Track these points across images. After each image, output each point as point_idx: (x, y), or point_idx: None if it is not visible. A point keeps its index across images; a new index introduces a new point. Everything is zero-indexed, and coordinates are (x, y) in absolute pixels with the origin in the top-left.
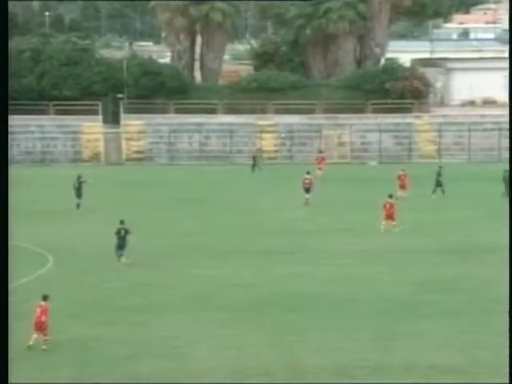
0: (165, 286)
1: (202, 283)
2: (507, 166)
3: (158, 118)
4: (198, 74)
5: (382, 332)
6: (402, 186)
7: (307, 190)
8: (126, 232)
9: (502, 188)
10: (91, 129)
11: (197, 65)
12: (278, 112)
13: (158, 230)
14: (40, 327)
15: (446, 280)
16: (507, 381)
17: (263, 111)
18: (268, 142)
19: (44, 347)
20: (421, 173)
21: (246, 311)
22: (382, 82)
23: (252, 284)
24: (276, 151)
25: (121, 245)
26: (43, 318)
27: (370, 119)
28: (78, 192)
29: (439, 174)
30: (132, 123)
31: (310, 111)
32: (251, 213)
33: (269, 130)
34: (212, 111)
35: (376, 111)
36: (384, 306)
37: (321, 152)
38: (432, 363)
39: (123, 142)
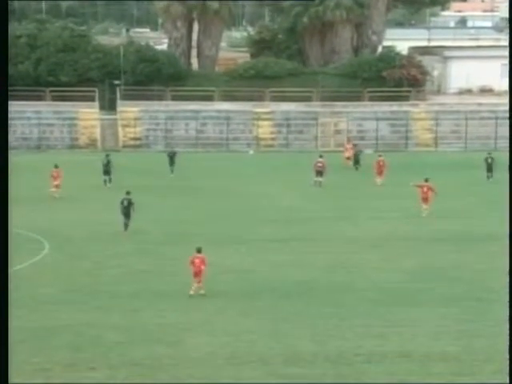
0: (162, 272)
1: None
2: (504, 155)
3: (155, 105)
4: (194, 61)
5: (376, 320)
6: (380, 173)
7: (320, 173)
8: (130, 203)
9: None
10: (88, 115)
11: (194, 52)
12: (274, 99)
13: (155, 217)
14: (199, 275)
15: (439, 268)
16: (507, 381)
17: (260, 98)
18: (265, 130)
19: (202, 292)
20: (415, 161)
21: (241, 298)
22: (379, 70)
23: (248, 271)
24: (272, 139)
25: (126, 214)
26: (202, 267)
27: (366, 107)
28: (106, 170)
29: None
30: (129, 110)
31: (307, 99)
32: (248, 200)
33: (265, 117)
34: (209, 98)
35: (373, 99)
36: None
37: (349, 141)
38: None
39: (120, 129)
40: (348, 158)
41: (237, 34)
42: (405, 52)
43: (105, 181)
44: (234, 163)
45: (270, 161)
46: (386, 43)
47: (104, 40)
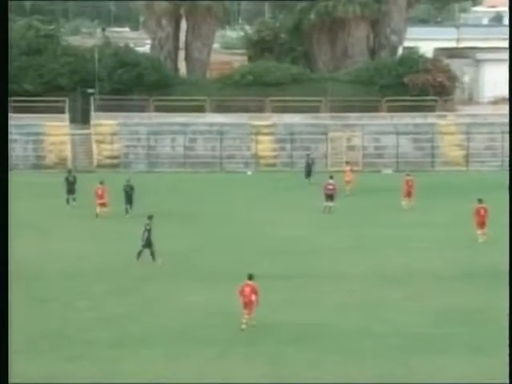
0: (144, 314)
1: (187, 311)
2: None
3: (136, 118)
4: (182, 66)
5: (398, 369)
6: (408, 195)
7: (330, 197)
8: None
9: None
10: (56, 130)
11: (181, 54)
12: (276, 110)
13: (137, 248)
14: (249, 306)
15: (469, 310)
16: (507, 381)
17: (259, 109)
18: (265, 146)
19: (254, 323)
20: (445, 182)
21: (236, 345)
22: (400, 75)
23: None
24: (274, 157)
25: (148, 243)
26: (253, 297)
27: (385, 119)
28: (70, 188)
29: None
30: (104, 123)
31: (315, 109)
32: (246, 228)
33: (266, 131)
34: (199, 109)
35: (392, 110)
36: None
37: (348, 163)
38: None
39: (94, 146)
40: (348, 182)
41: (232, 34)
42: (430, 54)
43: (68, 200)
44: (230, 185)
45: (271, 183)
46: (407, 44)
47: (76, 41)
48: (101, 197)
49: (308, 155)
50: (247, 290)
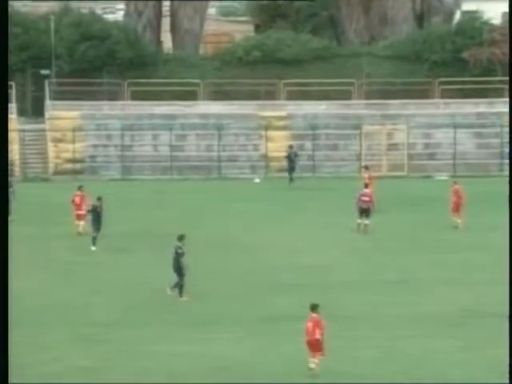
0: (112, 371)
1: (169, 366)
2: None
3: (106, 108)
4: (167, 38)
5: None
6: (456, 209)
7: (365, 213)
8: (178, 254)
9: None
10: None
11: (165, 23)
12: (293, 97)
13: (107, 281)
14: (314, 346)
15: None
16: (507, 381)
17: (270, 96)
18: (278, 145)
19: (317, 361)
20: None
21: None
22: (457, 49)
23: (248, 368)
24: None
25: (178, 269)
26: (317, 333)
27: (437, 108)
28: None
29: None
30: (64, 115)
31: (344, 95)
32: (252, 255)
33: (279, 125)
34: (190, 96)
35: (447, 95)
36: None
37: (366, 168)
38: None
39: (50, 146)
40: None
41: None
42: (497, 21)
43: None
44: (231, 197)
45: (285, 193)
46: (467, 7)
47: (25, 7)
48: (79, 207)
49: (291, 147)
50: (309, 325)
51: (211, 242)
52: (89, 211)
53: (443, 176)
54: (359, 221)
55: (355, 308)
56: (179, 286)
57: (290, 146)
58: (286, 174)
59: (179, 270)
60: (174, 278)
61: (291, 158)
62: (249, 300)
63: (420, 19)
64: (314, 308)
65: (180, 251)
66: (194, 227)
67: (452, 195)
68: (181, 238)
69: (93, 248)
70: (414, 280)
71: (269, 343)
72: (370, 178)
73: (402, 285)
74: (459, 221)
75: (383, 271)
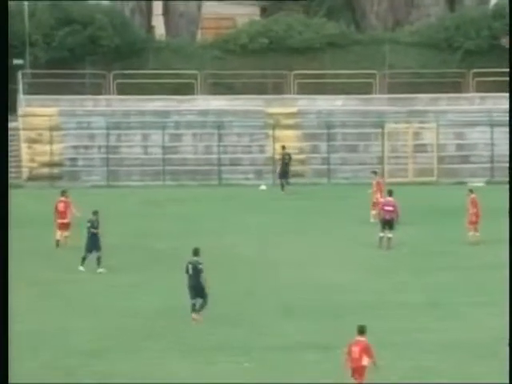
0: None
1: None
2: None
3: (88, 103)
4: (159, 23)
5: None
6: (473, 222)
7: (388, 224)
8: (197, 270)
9: None
10: None
11: (157, 6)
12: (305, 91)
13: (90, 305)
14: (359, 373)
15: None
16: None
17: (279, 90)
18: (287, 146)
19: None
20: None
21: None
22: (494, 35)
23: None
24: (302, 162)
25: (194, 287)
26: (363, 360)
27: (472, 103)
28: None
29: None
30: (39, 112)
31: (364, 89)
32: (259, 273)
33: (289, 123)
34: (186, 90)
35: (483, 88)
36: None
37: (375, 173)
38: None
39: (24, 147)
40: (376, 204)
41: None
42: None
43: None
44: (233, 206)
45: (296, 202)
46: None
47: None
48: (63, 215)
49: (283, 148)
50: (355, 350)
51: (212, 258)
52: (87, 228)
53: (478, 182)
54: (382, 234)
55: (376, 333)
56: (199, 307)
57: (283, 147)
58: (300, 179)
59: (201, 289)
60: (188, 299)
61: (285, 162)
62: (257, 324)
63: (451, 1)
64: (362, 331)
65: (200, 267)
66: (190, 242)
67: (470, 206)
68: (196, 252)
69: (81, 268)
70: (444, 302)
71: (283, 375)
72: (378, 184)
73: (428, 308)
74: (477, 234)
75: (408, 290)
